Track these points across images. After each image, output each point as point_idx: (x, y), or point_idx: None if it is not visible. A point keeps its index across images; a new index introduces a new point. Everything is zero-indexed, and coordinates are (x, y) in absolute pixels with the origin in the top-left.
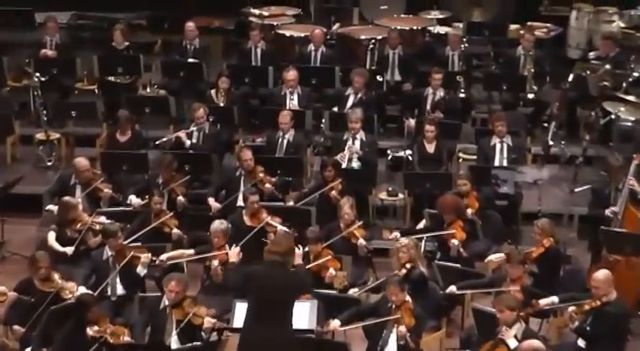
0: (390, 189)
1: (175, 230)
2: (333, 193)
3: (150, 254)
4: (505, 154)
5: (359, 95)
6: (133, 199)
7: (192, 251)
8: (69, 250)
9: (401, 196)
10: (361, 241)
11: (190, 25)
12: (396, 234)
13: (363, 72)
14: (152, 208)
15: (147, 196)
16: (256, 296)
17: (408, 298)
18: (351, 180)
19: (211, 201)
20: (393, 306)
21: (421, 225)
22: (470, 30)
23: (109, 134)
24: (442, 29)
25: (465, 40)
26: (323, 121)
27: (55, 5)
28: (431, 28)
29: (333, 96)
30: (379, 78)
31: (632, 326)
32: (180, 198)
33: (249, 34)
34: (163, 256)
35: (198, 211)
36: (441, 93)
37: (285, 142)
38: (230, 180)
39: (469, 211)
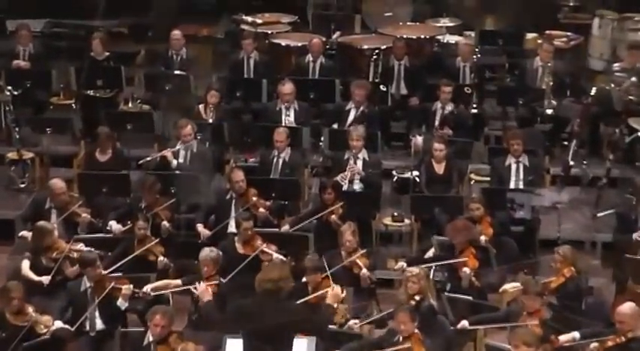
0: (395, 214)
1: (161, 258)
2: (333, 217)
3: (132, 285)
4: (521, 176)
5: (360, 109)
6: (114, 225)
7: (178, 281)
8: (45, 279)
9: (407, 221)
10: (364, 271)
11: (176, 33)
12: (402, 264)
13: (364, 84)
14: (135, 234)
15: (129, 222)
16: (248, 334)
17: (417, 330)
18: (353, 203)
19: (200, 228)
20: (401, 338)
21: (430, 253)
22: (482, 39)
23: (88, 153)
24: (452, 38)
25: (477, 50)
26: (322, 138)
27: (28, 12)
28: (440, 37)
29: (332, 111)
30: (382, 88)
31: None
32: (165, 223)
33: (241, 44)
34: (147, 287)
35: (185, 238)
36: (450, 108)
37: (281, 162)
38: (220, 204)
39: (483, 238)
